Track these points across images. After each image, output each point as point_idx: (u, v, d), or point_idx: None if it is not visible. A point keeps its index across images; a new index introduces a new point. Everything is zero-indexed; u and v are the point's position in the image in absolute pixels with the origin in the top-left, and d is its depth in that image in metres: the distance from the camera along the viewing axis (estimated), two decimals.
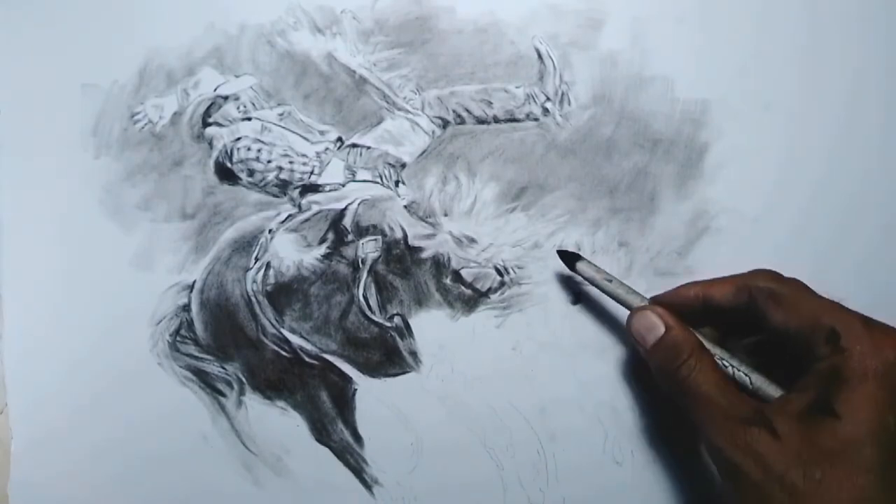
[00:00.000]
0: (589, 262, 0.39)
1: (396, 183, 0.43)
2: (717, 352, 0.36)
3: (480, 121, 0.43)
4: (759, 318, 0.35)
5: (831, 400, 0.31)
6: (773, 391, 0.35)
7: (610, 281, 0.38)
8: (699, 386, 0.33)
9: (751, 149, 0.42)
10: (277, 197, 0.43)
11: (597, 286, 0.39)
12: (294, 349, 0.42)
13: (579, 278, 0.40)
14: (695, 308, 0.37)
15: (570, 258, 0.40)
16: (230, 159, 0.43)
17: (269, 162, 0.43)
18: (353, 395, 0.41)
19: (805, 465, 0.30)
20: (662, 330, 0.36)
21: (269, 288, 0.42)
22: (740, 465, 0.31)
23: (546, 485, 0.40)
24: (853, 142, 0.42)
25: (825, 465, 0.30)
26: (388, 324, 0.42)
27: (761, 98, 0.43)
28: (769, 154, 0.43)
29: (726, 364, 0.35)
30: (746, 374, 0.35)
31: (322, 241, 0.43)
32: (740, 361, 0.35)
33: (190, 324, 0.42)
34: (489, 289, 0.42)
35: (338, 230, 0.43)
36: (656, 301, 0.38)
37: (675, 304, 0.37)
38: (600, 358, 0.41)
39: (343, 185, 0.43)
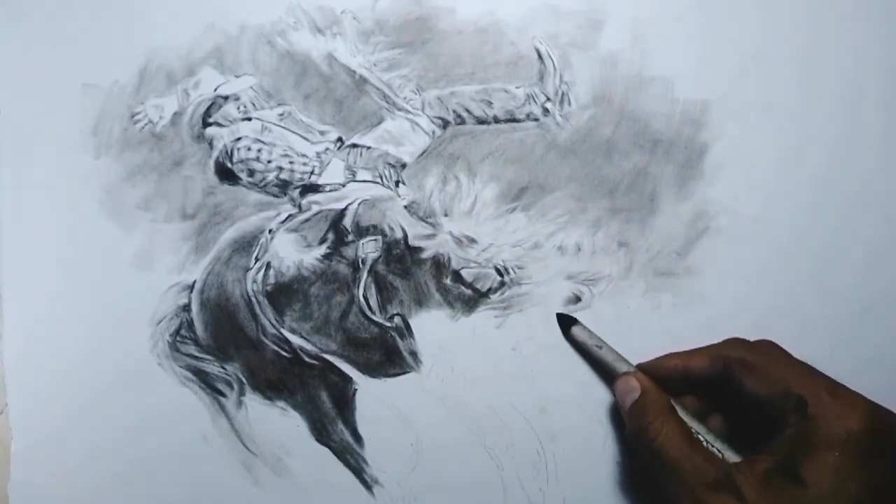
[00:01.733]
0: (584, 326, 0.41)
1: (397, 183, 0.43)
2: (687, 419, 0.36)
3: (480, 121, 0.43)
4: (734, 386, 0.36)
5: (797, 466, 0.32)
6: (735, 458, 0.35)
7: (601, 347, 0.40)
8: (667, 449, 0.34)
9: (751, 149, 0.42)
10: (277, 197, 0.43)
11: (587, 351, 0.40)
12: (294, 349, 0.42)
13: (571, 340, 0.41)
14: (676, 378, 0.38)
15: (566, 322, 0.41)
16: (230, 159, 0.43)
17: (269, 162, 0.43)
18: (354, 395, 0.41)
19: None
20: (638, 393, 0.37)
21: (269, 288, 0.42)
22: None
23: (546, 485, 0.41)
24: (853, 142, 0.42)
25: None
26: (389, 324, 0.42)
27: (761, 98, 0.43)
28: (769, 154, 0.43)
29: (695, 432, 0.36)
30: (713, 445, 0.36)
31: (322, 241, 0.43)
32: (708, 430, 0.36)
33: (190, 324, 0.42)
34: (489, 289, 0.42)
35: (338, 230, 0.43)
36: (641, 369, 0.39)
37: (658, 374, 0.39)
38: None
39: (343, 186, 0.43)
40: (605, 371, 0.40)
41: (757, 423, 0.35)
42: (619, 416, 0.41)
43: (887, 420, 0.33)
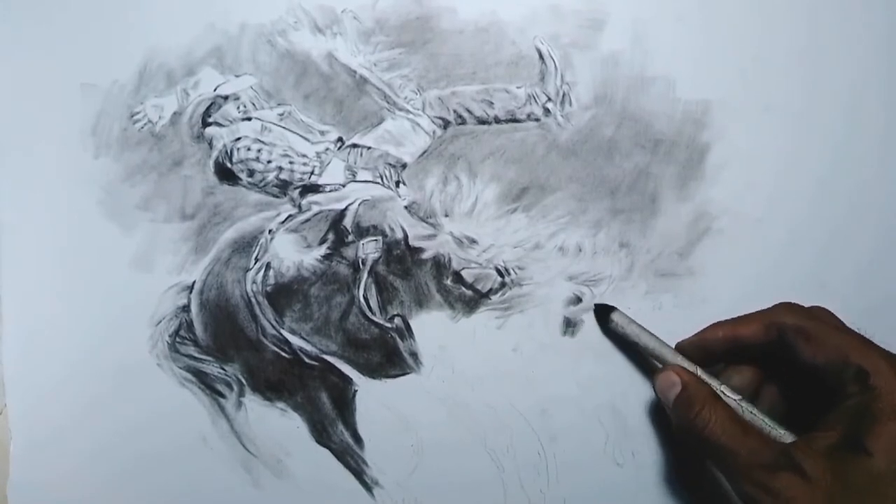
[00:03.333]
0: (622, 313, 0.40)
1: (397, 183, 0.43)
2: (735, 401, 0.36)
3: (481, 121, 0.43)
4: (787, 355, 0.35)
5: (862, 437, 0.31)
6: (789, 438, 0.34)
7: (639, 336, 0.39)
8: (717, 437, 0.34)
9: (752, 150, 0.42)
10: (277, 197, 0.43)
11: (628, 339, 0.40)
12: (294, 350, 0.42)
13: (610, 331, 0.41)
14: (723, 348, 0.37)
15: (604, 312, 0.40)
16: (230, 159, 0.43)
17: (269, 162, 0.43)
18: (354, 396, 0.41)
19: None
20: (680, 387, 0.36)
21: (269, 289, 0.42)
22: None
23: (546, 486, 0.40)
24: (854, 142, 0.42)
25: (858, 503, 0.30)
26: (389, 325, 0.42)
27: (763, 99, 0.43)
28: (770, 155, 0.43)
29: (748, 411, 0.35)
30: (763, 421, 0.35)
31: (322, 241, 0.42)
32: (759, 410, 0.36)
33: (189, 325, 0.42)
34: (490, 290, 0.42)
35: (338, 231, 0.42)
36: (682, 346, 0.39)
37: (702, 347, 0.38)
38: (600, 358, 0.41)
39: (343, 186, 0.43)
40: (646, 362, 0.40)
41: (812, 395, 0.35)
42: (619, 417, 0.41)
43: None
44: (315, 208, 0.43)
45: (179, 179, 0.43)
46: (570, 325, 0.41)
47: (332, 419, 0.41)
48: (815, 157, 0.42)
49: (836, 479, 0.31)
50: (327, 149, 0.43)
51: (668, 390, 0.37)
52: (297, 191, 0.43)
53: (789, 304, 0.37)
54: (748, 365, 0.38)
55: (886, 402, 0.31)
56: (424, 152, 0.43)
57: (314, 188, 0.43)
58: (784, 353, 0.36)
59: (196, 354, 0.42)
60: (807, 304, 0.38)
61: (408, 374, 0.41)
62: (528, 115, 0.43)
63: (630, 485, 0.40)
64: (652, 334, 0.39)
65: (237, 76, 0.43)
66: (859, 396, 0.32)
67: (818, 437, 0.33)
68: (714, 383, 0.37)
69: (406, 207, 0.43)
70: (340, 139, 0.43)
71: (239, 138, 0.43)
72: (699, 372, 0.37)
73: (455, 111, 0.43)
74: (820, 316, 0.36)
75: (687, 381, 0.36)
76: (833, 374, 0.34)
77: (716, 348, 0.38)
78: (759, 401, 0.37)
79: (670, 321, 0.41)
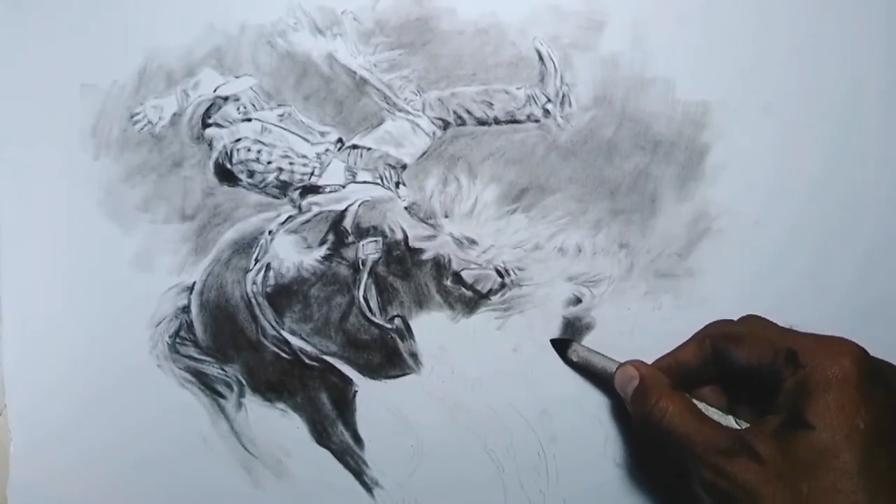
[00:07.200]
0: (581, 345, 0.41)
1: (397, 184, 0.43)
2: (693, 399, 0.36)
3: (481, 122, 0.43)
4: (726, 362, 0.37)
5: (802, 412, 0.32)
6: (743, 426, 0.35)
7: (599, 364, 0.40)
8: (674, 425, 0.35)
9: (751, 150, 0.42)
10: (277, 198, 0.43)
11: (589, 369, 0.40)
12: (294, 351, 0.42)
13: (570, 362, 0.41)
14: (674, 375, 0.38)
15: (561, 345, 0.41)
16: (230, 160, 0.43)
17: (269, 163, 0.43)
18: (354, 396, 0.41)
19: (790, 482, 0.31)
20: (638, 380, 0.37)
21: (269, 289, 0.42)
22: (731, 496, 0.32)
23: (546, 486, 0.41)
24: (853, 143, 0.42)
25: (809, 479, 0.31)
26: (389, 325, 0.42)
27: (762, 99, 0.43)
28: (770, 155, 0.43)
29: (703, 408, 0.36)
30: (717, 413, 0.36)
31: (322, 242, 0.42)
32: (712, 405, 0.37)
33: (189, 325, 0.42)
34: (490, 290, 0.42)
35: (338, 231, 0.42)
36: None
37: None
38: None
39: (343, 187, 0.43)
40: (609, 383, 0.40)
41: (759, 393, 0.35)
42: (619, 417, 0.41)
43: (873, 359, 0.33)
44: (315, 209, 0.43)
45: (179, 180, 0.43)
46: (569, 326, 0.42)
47: (332, 420, 0.41)
48: (814, 158, 0.42)
49: (785, 458, 0.31)
50: (327, 150, 0.43)
51: (627, 384, 0.38)
52: (297, 192, 0.43)
53: (719, 320, 0.39)
54: (704, 389, 0.38)
55: (819, 374, 0.32)
56: (424, 153, 0.43)
57: (314, 189, 0.43)
58: (722, 361, 0.37)
59: (196, 355, 0.42)
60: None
61: (408, 374, 0.41)
62: (528, 116, 0.43)
63: (630, 485, 0.40)
64: (612, 359, 0.40)
65: (237, 77, 0.43)
66: (794, 376, 0.33)
67: (767, 420, 0.33)
68: None
69: (406, 208, 0.43)
70: (340, 140, 0.43)
71: (239, 139, 0.43)
72: None
73: (455, 112, 0.43)
74: (748, 321, 0.38)
75: (644, 373, 0.38)
76: (768, 365, 0.35)
77: (668, 376, 0.38)
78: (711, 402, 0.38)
79: (670, 321, 0.41)
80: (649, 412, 0.36)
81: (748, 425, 0.35)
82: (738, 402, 0.38)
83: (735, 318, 0.39)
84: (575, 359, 0.41)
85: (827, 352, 0.33)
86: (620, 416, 0.41)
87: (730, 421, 0.36)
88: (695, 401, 0.36)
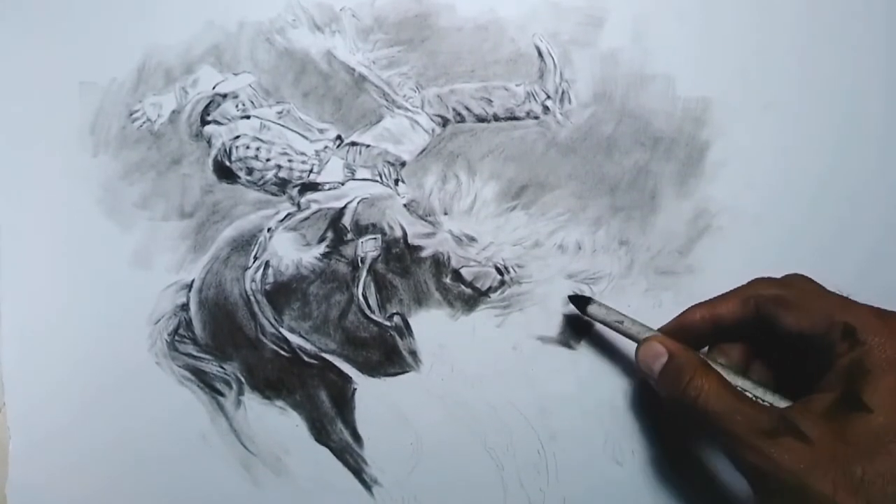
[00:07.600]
0: (600, 303, 0.39)
1: (396, 181, 0.43)
2: (725, 374, 0.35)
3: (480, 119, 0.43)
4: (770, 327, 0.34)
5: (859, 393, 0.30)
6: (784, 404, 0.33)
7: (621, 322, 0.38)
8: (711, 405, 0.32)
9: (752, 147, 0.42)
10: (276, 195, 0.43)
11: (608, 326, 0.39)
12: (293, 348, 0.42)
13: (589, 319, 0.40)
14: (704, 330, 0.36)
15: (581, 302, 0.39)
16: (229, 158, 0.43)
17: (267, 160, 0.43)
18: (353, 394, 0.41)
19: (843, 465, 0.29)
20: (666, 357, 0.35)
21: (267, 287, 0.42)
22: (775, 478, 0.30)
23: (546, 485, 0.40)
24: (854, 140, 0.42)
25: (864, 462, 0.29)
26: (388, 323, 0.42)
27: (762, 96, 0.43)
28: (770, 152, 0.42)
29: (738, 387, 0.34)
30: (755, 389, 0.34)
31: (321, 239, 0.42)
32: (749, 381, 0.35)
33: (188, 323, 0.42)
34: (489, 288, 0.42)
35: (337, 229, 0.42)
36: (663, 331, 0.38)
37: (682, 331, 0.37)
38: (600, 357, 0.41)
39: (342, 184, 0.43)
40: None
41: (802, 363, 0.34)
42: (619, 415, 0.41)
43: None
44: (314, 206, 0.43)
45: (178, 178, 0.43)
46: (569, 324, 0.41)
47: (332, 417, 0.41)
48: (815, 155, 0.42)
49: (837, 440, 0.29)
50: (326, 147, 0.43)
51: (653, 361, 0.35)
52: (296, 189, 0.43)
53: (764, 277, 0.36)
54: (733, 343, 0.37)
55: (879, 354, 0.30)
56: (423, 150, 0.43)
57: (313, 186, 0.43)
58: (766, 326, 0.34)
59: (195, 353, 0.42)
60: None
61: (407, 372, 0.41)
62: (528, 113, 0.43)
63: (630, 484, 0.40)
64: (633, 319, 0.38)
65: (236, 74, 0.43)
66: (851, 353, 0.31)
67: (815, 399, 0.31)
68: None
69: (405, 205, 0.42)
70: (339, 137, 0.43)
71: (238, 136, 0.43)
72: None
73: (454, 109, 0.43)
74: (796, 283, 0.35)
75: (673, 350, 0.35)
76: (820, 337, 0.32)
77: (697, 330, 0.37)
78: (748, 377, 0.36)
79: (670, 318, 0.41)
80: (683, 392, 0.33)
81: (787, 403, 0.33)
82: (773, 369, 0.36)
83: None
84: (596, 314, 0.39)
85: (889, 330, 0.31)
86: (620, 415, 0.41)
87: (772, 399, 0.33)
88: (732, 378, 0.34)
